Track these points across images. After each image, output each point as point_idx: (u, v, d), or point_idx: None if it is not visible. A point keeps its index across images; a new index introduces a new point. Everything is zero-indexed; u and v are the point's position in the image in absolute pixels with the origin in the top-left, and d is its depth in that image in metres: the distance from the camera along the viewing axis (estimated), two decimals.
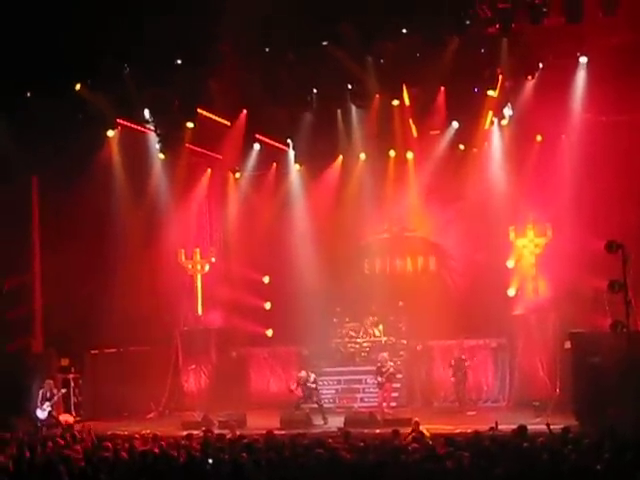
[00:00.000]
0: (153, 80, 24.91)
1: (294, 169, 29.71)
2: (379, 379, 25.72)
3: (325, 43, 23.70)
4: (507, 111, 25.99)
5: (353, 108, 26.59)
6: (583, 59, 24.22)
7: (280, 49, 24.00)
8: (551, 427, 17.06)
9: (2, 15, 22.90)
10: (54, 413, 25.42)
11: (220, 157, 29.88)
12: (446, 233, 29.28)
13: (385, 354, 26.40)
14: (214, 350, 30.01)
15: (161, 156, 27.97)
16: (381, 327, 28.73)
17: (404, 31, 23.27)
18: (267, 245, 29.57)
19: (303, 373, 25.80)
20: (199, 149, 28.89)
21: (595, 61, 24.08)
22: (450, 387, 26.87)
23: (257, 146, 28.88)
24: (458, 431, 19.81)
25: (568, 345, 24.21)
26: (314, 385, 25.50)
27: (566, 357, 24.68)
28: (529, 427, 16.35)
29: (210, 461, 14.62)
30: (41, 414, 25.09)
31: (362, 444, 15.65)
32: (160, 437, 18.06)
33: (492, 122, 26.81)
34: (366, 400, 27.58)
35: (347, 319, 29.14)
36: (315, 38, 23.52)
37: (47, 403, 25.14)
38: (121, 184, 28.17)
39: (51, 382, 25.68)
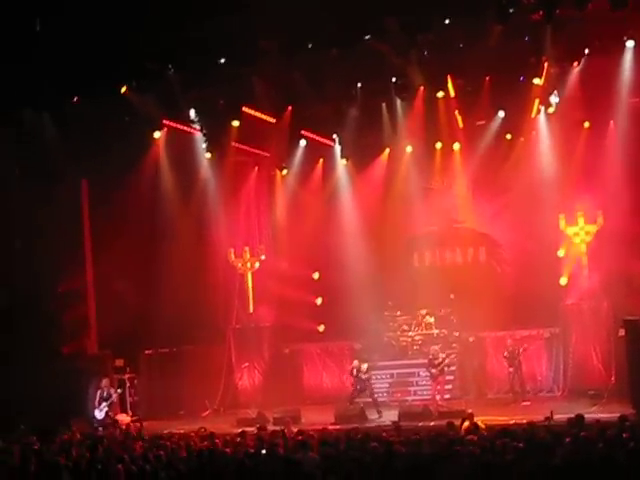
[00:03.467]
0: (197, 80, 25.07)
1: (341, 164, 29.68)
2: (433, 371, 25.68)
3: (368, 37, 23.67)
4: (553, 98, 25.77)
5: (398, 101, 26.56)
6: (630, 43, 23.93)
7: (323, 45, 23.99)
8: (608, 416, 16.92)
9: (48, 20, 23.17)
10: (111, 413, 25.68)
11: (267, 154, 29.97)
12: (495, 223, 29.10)
13: (437, 347, 26.35)
14: (266, 347, 30.10)
15: (208, 155, 28.11)
16: (433, 319, 28.64)
17: (447, 22, 23.17)
18: (316, 241, 29.57)
19: (356, 362, 25.88)
20: (245, 147, 29.02)
21: None
22: (504, 378, 26.72)
23: (303, 142, 28.91)
24: (513, 422, 19.69)
25: (622, 333, 23.99)
26: (366, 376, 25.53)
27: (620, 345, 24.45)
28: (585, 416, 16.24)
29: (263, 451, 14.70)
30: (99, 414, 25.37)
31: (416, 437, 15.64)
32: (215, 435, 18.17)
33: (539, 110, 26.58)
34: (419, 393, 27.55)
35: (398, 312, 29.09)
36: (358, 33, 23.50)
37: (104, 403, 25.41)
38: (169, 185, 28.39)
39: (108, 382, 25.95)
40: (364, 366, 25.68)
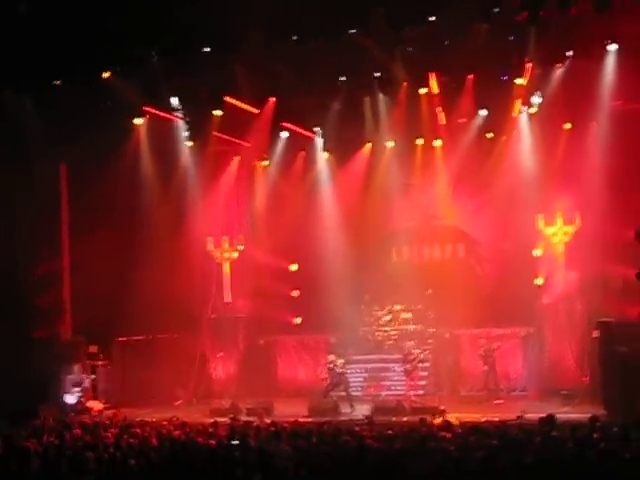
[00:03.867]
0: (181, 68, 24.96)
1: (322, 157, 29.69)
2: (406, 367, 25.76)
3: (353, 31, 23.65)
4: (536, 99, 25.87)
5: (381, 96, 26.55)
6: (612, 46, 24.01)
7: (308, 37, 23.95)
8: (579, 416, 17.01)
9: (32, 2, 23.01)
10: (83, 399, 25.59)
11: (248, 145, 29.87)
12: (474, 221, 29.18)
13: (411, 342, 26.42)
14: (242, 338, 30.06)
15: (189, 144, 28.07)
16: (409, 315, 28.69)
17: (432, 19, 23.18)
18: (295, 233, 29.53)
19: (332, 357, 25.88)
20: (227, 137, 28.92)
21: (624, 48, 23.90)
22: (478, 376, 26.81)
23: (285, 134, 28.90)
24: (485, 419, 19.76)
25: (596, 334, 24.10)
26: (342, 370, 25.57)
27: (594, 346, 24.57)
28: (557, 416, 16.30)
29: (235, 442, 14.68)
30: (70, 400, 25.28)
31: (389, 432, 15.66)
32: (188, 424, 18.15)
33: (520, 110, 26.69)
34: (393, 388, 27.55)
35: (375, 307, 29.13)
36: (343, 26, 23.47)
37: (76, 389, 25.32)
38: (149, 172, 28.29)
39: (80, 368, 25.87)
40: (340, 361, 25.71)
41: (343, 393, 25.60)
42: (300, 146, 29.75)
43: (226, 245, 30.37)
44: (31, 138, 25.86)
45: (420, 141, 28.39)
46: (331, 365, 25.61)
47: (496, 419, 17.96)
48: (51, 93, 25.27)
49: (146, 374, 27.91)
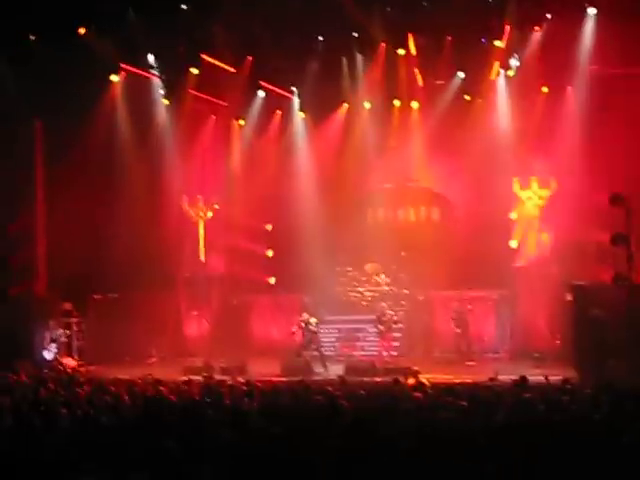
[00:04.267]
0: (158, 25, 24.81)
1: (298, 117, 29.65)
2: (379, 328, 25.87)
3: None
4: (513, 62, 25.91)
5: (359, 56, 26.48)
6: (591, 10, 24.04)
7: None
8: (550, 379, 17.16)
9: None
10: (58, 355, 25.60)
11: (224, 104, 29.78)
12: (450, 184, 29.20)
13: (385, 304, 26.51)
14: (216, 297, 30.12)
15: (165, 102, 27.95)
16: (383, 276, 28.78)
17: None
18: (270, 193, 29.54)
19: (305, 315, 25.88)
20: (203, 95, 28.82)
21: (603, 12, 23.94)
22: (451, 337, 26.90)
23: (262, 93, 28.83)
24: (458, 381, 19.86)
25: (569, 297, 24.22)
26: (315, 329, 25.63)
27: (567, 309, 24.66)
28: (529, 378, 16.42)
29: (208, 400, 14.73)
30: (48, 355, 25.30)
31: (362, 392, 15.73)
32: (161, 382, 18.16)
33: (498, 73, 26.72)
34: (367, 349, 27.68)
35: (349, 268, 29.20)
36: None
37: (53, 344, 25.33)
38: (125, 129, 28.15)
39: (56, 324, 25.84)
40: (313, 320, 25.75)
41: (315, 353, 25.67)
42: (277, 106, 29.68)
43: (201, 204, 30.36)
44: (5, 94, 25.61)
45: (397, 102, 28.35)
46: (304, 324, 25.66)
47: (468, 381, 18.05)
48: (26, 49, 25.03)
49: (120, 332, 27.92)
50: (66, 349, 27.06)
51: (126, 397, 15.49)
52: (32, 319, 26.65)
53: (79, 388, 17.23)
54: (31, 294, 27.94)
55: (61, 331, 25.93)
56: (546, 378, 17.25)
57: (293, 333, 26.04)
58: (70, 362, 26.20)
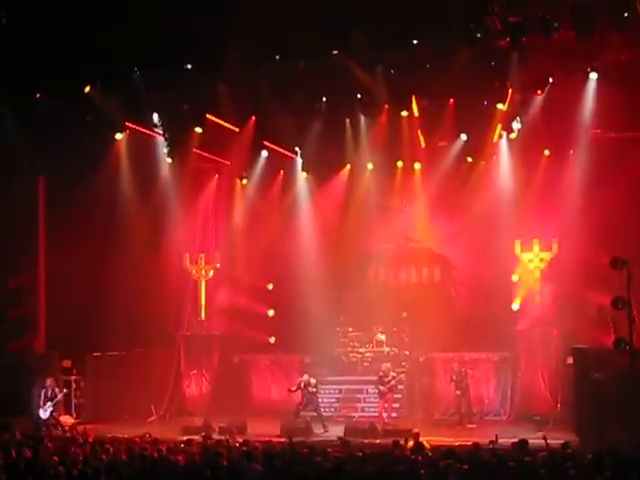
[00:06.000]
0: (162, 84, 25.00)
1: (301, 177, 29.71)
2: (380, 389, 25.75)
3: (336, 52, 23.74)
4: (516, 125, 25.96)
5: (362, 118, 26.60)
6: (593, 75, 24.18)
7: (291, 56, 24.03)
8: (551, 442, 17.04)
9: (14, 16, 22.98)
10: (55, 414, 25.44)
11: (228, 163, 29.93)
12: (451, 245, 29.21)
13: (388, 364, 26.41)
14: (216, 356, 30.00)
15: (169, 160, 28.03)
16: (384, 337, 28.67)
17: (415, 42, 23.29)
18: (272, 252, 29.56)
19: (306, 377, 25.83)
20: (207, 154, 28.97)
21: (605, 77, 24.05)
22: (452, 399, 26.76)
23: (265, 153, 28.90)
24: (458, 444, 19.72)
25: (570, 361, 24.16)
26: (314, 390, 25.55)
27: (568, 373, 24.61)
28: (530, 441, 16.31)
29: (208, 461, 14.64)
30: (43, 414, 25.12)
31: (361, 454, 15.62)
32: (160, 441, 18.05)
33: (500, 135, 26.78)
34: (367, 410, 27.51)
35: (350, 328, 29.09)
36: (326, 46, 23.55)
37: (49, 403, 25.19)
38: (128, 187, 28.25)
39: (53, 382, 25.71)
40: (313, 381, 25.67)
41: (313, 413, 25.54)
42: (280, 165, 29.77)
43: (203, 262, 30.39)
44: (10, 149, 25.75)
45: (400, 164, 28.46)
46: (303, 384, 25.56)
47: (469, 443, 17.92)
48: (32, 106, 25.21)
49: (119, 390, 27.77)
50: (64, 407, 26.91)
51: (124, 456, 15.42)
52: (30, 376, 26.50)
53: (76, 447, 17.13)
54: (30, 350, 27.84)
55: (58, 389, 25.79)
56: (546, 442, 17.12)
57: (290, 391, 25.96)
58: (68, 420, 26.04)
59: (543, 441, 17.59)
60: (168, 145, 27.23)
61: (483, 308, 27.19)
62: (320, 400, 26.29)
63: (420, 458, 14.84)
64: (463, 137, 26.83)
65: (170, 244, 29.47)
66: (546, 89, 24.54)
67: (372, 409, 27.08)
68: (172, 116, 26.37)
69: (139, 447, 17.01)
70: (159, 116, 26.40)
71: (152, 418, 27.94)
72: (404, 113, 25.95)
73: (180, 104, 25.98)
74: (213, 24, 22.29)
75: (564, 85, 24.53)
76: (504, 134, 26.69)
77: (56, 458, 15.11)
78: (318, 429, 24.79)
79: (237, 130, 27.30)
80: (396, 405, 26.70)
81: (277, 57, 24.04)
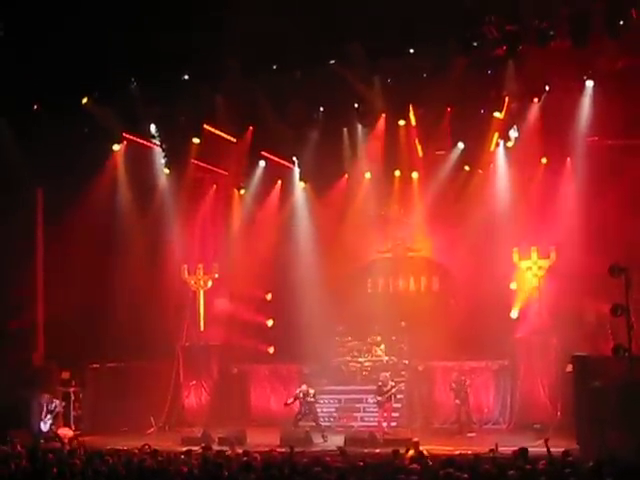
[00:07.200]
0: (160, 95, 25.05)
1: (299, 186, 29.74)
2: (379, 398, 25.71)
3: (332, 62, 23.78)
4: (513, 133, 26.01)
5: (359, 127, 26.65)
6: (589, 82, 24.24)
7: (287, 67, 24.08)
8: (552, 450, 17.02)
9: (10, 29, 23.03)
10: (54, 426, 25.42)
11: (225, 173, 29.97)
12: (450, 254, 29.18)
13: (387, 373, 26.38)
14: (215, 366, 29.96)
15: (166, 171, 28.07)
16: (383, 347, 28.63)
17: (411, 51, 23.34)
18: (270, 262, 29.55)
19: (304, 387, 25.80)
20: (204, 165, 29.01)
21: (601, 85, 24.14)
22: (451, 408, 26.74)
23: (262, 163, 28.94)
24: (458, 452, 19.68)
25: (570, 368, 24.11)
26: (312, 400, 25.52)
27: (568, 380, 24.55)
28: (530, 450, 16.29)
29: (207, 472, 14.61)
30: (44, 427, 25.11)
31: (361, 463, 15.60)
32: (159, 452, 18.02)
33: (497, 144, 26.82)
34: (366, 419, 27.48)
35: (349, 338, 29.04)
36: (323, 57, 23.60)
37: (49, 416, 25.17)
38: (126, 198, 28.30)
39: (52, 395, 25.69)
40: (311, 390, 25.65)
41: (312, 423, 25.52)
42: (277, 175, 29.80)
43: (201, 273, 30.35)
44: (8, 163, 25.75)
45: (397, 173, 28.47)
46: (302, 395, 25.54)
47: (469, 452, 17.90)
48: (29, 118, 25.23)
49: (118, 401, 27.70)
50: (63, 419, 26.88)
51: (122, 468, 15.39)
52: (29, 388, 26.48)
53: (75, 458, 17.09)
54: (29, 362, 27.80)
55: (57, 401, 25.75)
56: (547, 447, 17.10)
57: (287, 405, 25.95)
58: (67, 432, 26.00)
59: (544, 449, 17.54)
60: (166, 156, 27.27)
61: (482, 316, 27.12)
62: (319, 410, 26.30)
63: (420, 467, 14.82)
64: (460, 146, 26.87)
65: (168, 255, 29.48)
66: (543, 97, 24.64)
67: (371, 418, 27.06)
68: (170, 127, 26.44)
69: (138, 458, 16.98)
70: (157, 127, 26.46)
71: (151, 429, 27.97)
72: (401, 122, 26.02)
73: (177, 115, 26.03)
74: (210, 35, 22.34)
75: (561, 93, 24.61)
76: (501, 142, 26.73)
77: (55, 470, 15.09)
78: (317, 439, 24.76)
79: (235, 140, 27.37)
80: (396, 414, 26.65)
81: (274, 67, 24.09)
